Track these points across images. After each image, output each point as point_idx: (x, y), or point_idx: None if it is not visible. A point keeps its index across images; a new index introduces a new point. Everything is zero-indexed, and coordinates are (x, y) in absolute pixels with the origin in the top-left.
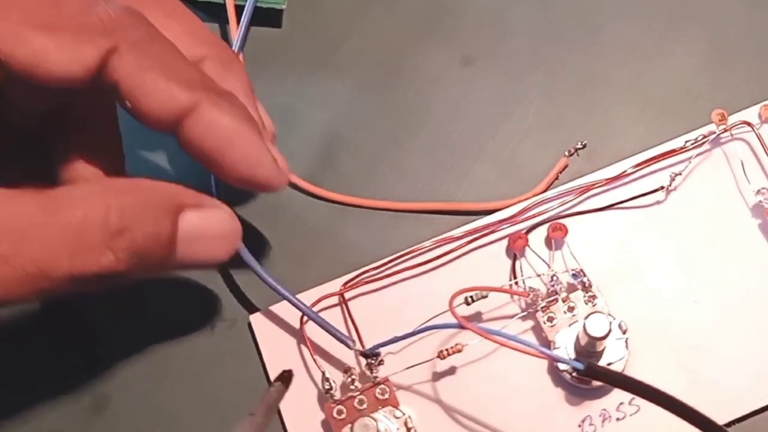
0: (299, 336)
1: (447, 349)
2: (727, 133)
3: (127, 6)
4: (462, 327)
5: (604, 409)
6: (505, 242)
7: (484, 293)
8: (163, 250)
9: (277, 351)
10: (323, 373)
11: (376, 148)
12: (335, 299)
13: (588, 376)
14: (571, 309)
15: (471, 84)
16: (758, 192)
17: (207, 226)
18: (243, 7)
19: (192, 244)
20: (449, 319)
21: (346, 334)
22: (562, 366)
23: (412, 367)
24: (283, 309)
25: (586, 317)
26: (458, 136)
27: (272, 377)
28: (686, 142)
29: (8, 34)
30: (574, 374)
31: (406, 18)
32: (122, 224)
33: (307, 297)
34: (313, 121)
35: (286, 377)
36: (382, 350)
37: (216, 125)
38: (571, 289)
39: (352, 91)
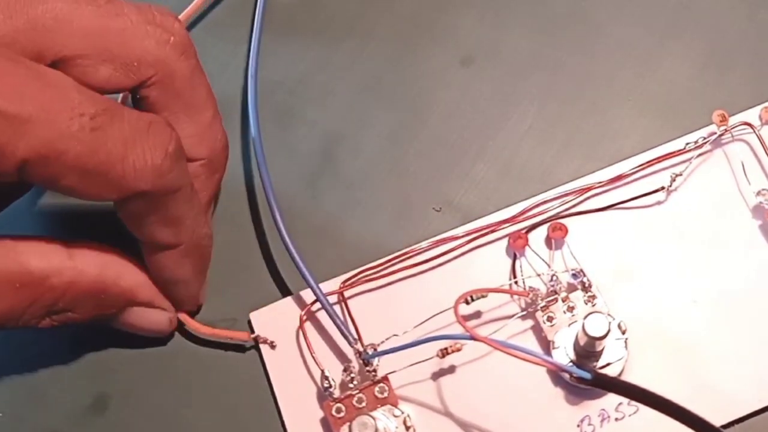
0: (299, 334)
1: (447, 348)
2: (728, 134)
3: (171, 132)
4: (473, 338)
5: (603, 409)
6: (505, 242)
7: (484, 293)
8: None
9: (277, 349)
10: (322, 371)
11: (376, 148)
12: (334, 297)
13: (596, 386)
14: (570, 309)
15: (471, 84)
16: (759, 193)
17: (141, 322)
18: None
19: (123, 327)
20: (451, 318)
21: (351, 331)
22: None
23: (411, 365)
24: (283, 307)
25: (586, 317)
26: (458, 136)
27: (272, 375)
28: (687, 143)
29: (46, 174)
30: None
31: (407, 17)
32: (65, 308)
33: (307, 295)
34: (313, 121)
35: None
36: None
37: (180, 270)
38: (571, 288)
39: (352, 90)
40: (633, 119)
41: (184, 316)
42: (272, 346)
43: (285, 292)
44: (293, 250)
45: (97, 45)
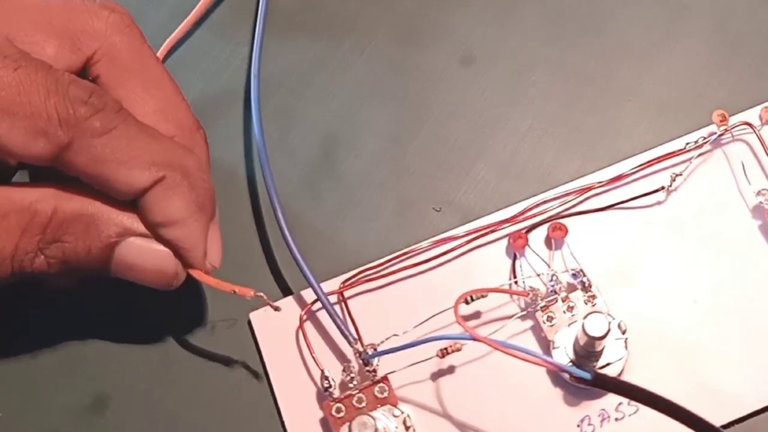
0: (299, 334)
1: (446, 348)
2: (728, 134)
3: (91, 89)
4: (473, 339)
5: (603, 409)
6: (505, 242)
7: (484, 293)
8: (94, 267)
9: (277, 349)
10: (322, 371)
11: (376, 148)
12: (334, 297)
13: (596, 386)
14: (570, 309)
15: (470, 84)
16: (759, 193)
17: (142, 260)
18: None
19: (124, 270)
20: (451, 318)
21: (351, 331)
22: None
23: (411, 365)
24: (283, 307)
25: (585, 317)
26: (458, 136)
27: (272, 375)
28: (687, 143)
29: None
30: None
31: (407, 17)
32: (55, 236)
33: (307, 295)
34: (313, 121)
35: None
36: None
37: (169, 207)
38: (571, 288)
39: (352, 90)
40: (633, 119)
41: (195, 271)
42: (276, 309)
43: (285, 292)
44: (295, 250)
45: (40, 20)
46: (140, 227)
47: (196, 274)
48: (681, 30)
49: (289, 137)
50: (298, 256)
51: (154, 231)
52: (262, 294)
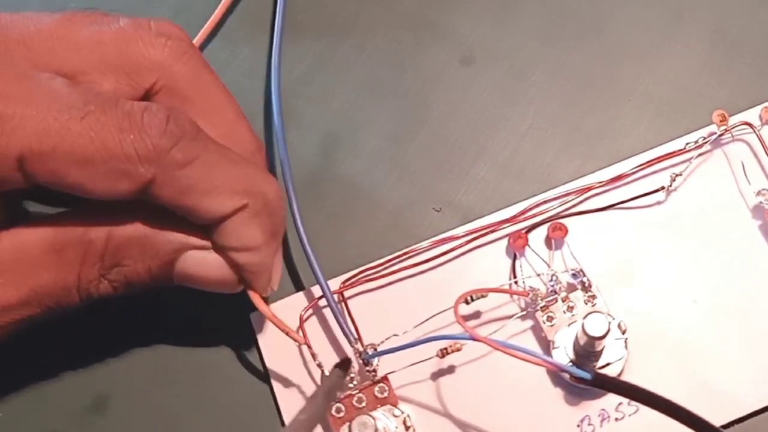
0: (298, 334)
1: (446, 348)
2: (728, 134)
3: (166, 113)
4: (473, 339)
5: (603, 409)
6: (505, 242)
7: (484, 293)
8: (157, 282)
9: (277, 348)
10: (322, 371)
11: (376, 148)
12: (334, 297)
13: (596, 386)
14: (570, 309)
15: (471, 84)
16: (759, 193)
17: (203, 270)
18: None
19: (187, 280)
20: (451, 318)
21: (352, 331)
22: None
23: (411, 365)
24: (283, 307)
25: (585, 317)
26: (458, 136)
27: (272, 375)
28: (687, 143)
29: (47, 170)
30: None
31: (407, 17)
32: (115, 261)
33: (307, 295)
34: (313, 121)
35: (344, 364)
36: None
37: (246, 235)
38: (571, 288)
39: (352, 91)
40: (633, 119)
41: (254, 294)
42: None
43: (284, 292)
44: (309, 250)
45: (94, 58)
46: (196, 241)
47: (254, 298)
48: (681, 30)
49: (289, 137)
50: (311, 255)
51: (224, 253)
52: (308, 343)
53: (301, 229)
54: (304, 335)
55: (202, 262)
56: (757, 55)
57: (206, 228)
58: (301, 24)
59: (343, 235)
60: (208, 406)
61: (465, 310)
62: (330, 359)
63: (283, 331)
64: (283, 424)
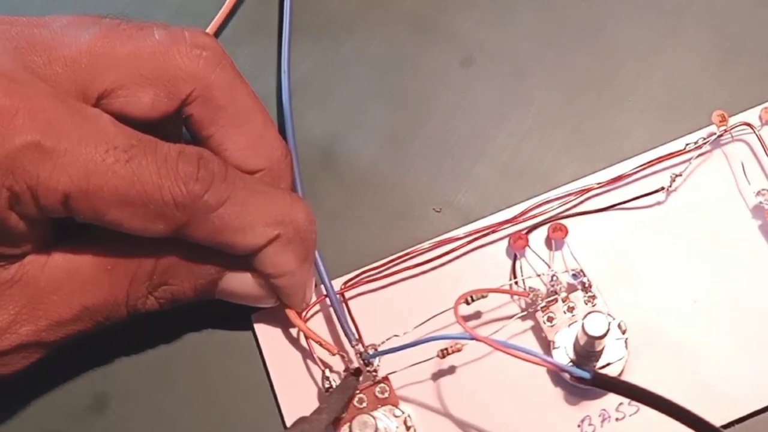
0: (300, 334)
1: (447, 348)
2: (728, 135)
3: (197, 159)
4: (473, 339)
5: (604, 409)
6: (505, 242)
7: (484, 293)
8: (201, 298)
9: (278, 349)
10: (323, 372)
11: (376, 148)
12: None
13: (596, 386)
14: (570, 309)
15: (471, 85)
16: (758, 193)
17: (245, 288)
18: None
19: (229, 297)
20: (451, 318)
21: (353, 331)
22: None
23: (412, 366)
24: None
25: (585, 317)
26: (458, 137)
27: (273, 375)
28: (686, 144)
29: (90, 208)
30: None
31: (407, 18)
32: (162, 281)
33: None
34: (313, 121)
35: (357, 373)
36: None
37: (281, 262)
38: (571, 289)
39: (352, 91)
40: (633, 120)
41: (290, 311)
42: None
43: None
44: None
45: (132, 72)
46: (238, 263)
47: (291, 316)
48: (681, 30)
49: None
50: (317, 256)
51: (262, 277)
52: (343, 354)
53: None
54: (306, 337)
55: (243, 281)
56: (757, 55)
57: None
58: (301, 25)
59: (343, 236)
60: (209, 406)
61: (465, 310)
62: (331, 360)
63: (317, 343)
64: (284, 423)
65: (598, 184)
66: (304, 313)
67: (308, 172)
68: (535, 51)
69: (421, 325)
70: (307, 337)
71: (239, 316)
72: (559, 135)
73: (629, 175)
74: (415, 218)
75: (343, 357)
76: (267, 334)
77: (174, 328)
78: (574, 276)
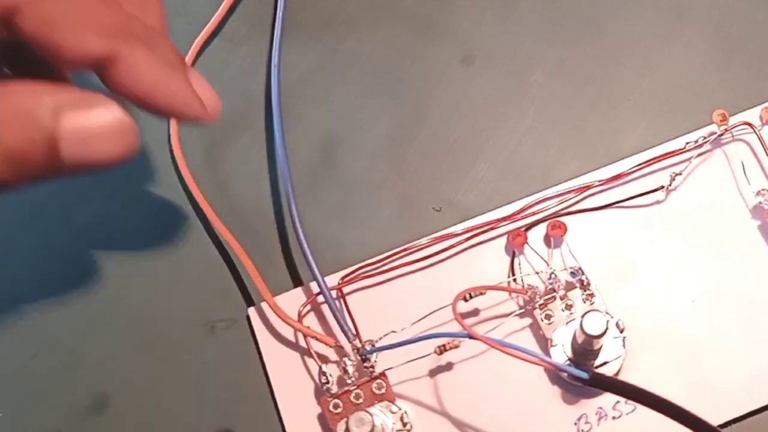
0: (297, 330)
1: (444, 345)
2: (728, 134)
3: None
4: (471, 337)
5: (601, 408)
6: (504, 239)
7: (482, 290)
8: (43, 154)
9: (275, 344)
10: (320, 367)
11: (376, 148)
12: (333, 293)
13: (594, 386)
14: (568, 307)
15: (471, 84)
16: (758, 193)
17: (94, 124)
18: None
19: (79, 145)
20: (449, 315)
21: (350, 327)
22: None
23: (409, 362)
24: (281, 302)
25: (583, 315)
26: (458, 135)
27: (270, 371)
28: (687, 143)
29: None
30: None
31: (407, 17)
32: None
33: (305, 291)
34: (313, 121)
35: None
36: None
37: (138, 74)
38: (569, 287)
39: (352, 91)
40: (633, 119)
41: (272, 303)
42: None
43: (283, 287)
44: (305, 245)
45: None
46: (72, 98)
47: (283, 316)
48: (681, 30)
49: (289, 137)
50: (308, 253)
51: (141, 102)
52: (342, 345)
53: (299, 227)
54: (303, 333)
55: (87, 116)
56: (757, 55)
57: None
58: (301, 24)
59: (343, 234)
60: (207, 406)
61: (464, 307)
62: (328, 354)
63: (313, 337)
64: (281, 420)
65: (599, 181)
66: (300, 309)
67: (308, 170)
68: (535, 50)
69: (418, 321)
70: (304, 335)
71: (237, 314)
72: (560, 133)
73: (629, 173)
74: (414, 217)
75: (340, 351)
76: (264, 330)
77: (173, 327)
78: (573, 274)
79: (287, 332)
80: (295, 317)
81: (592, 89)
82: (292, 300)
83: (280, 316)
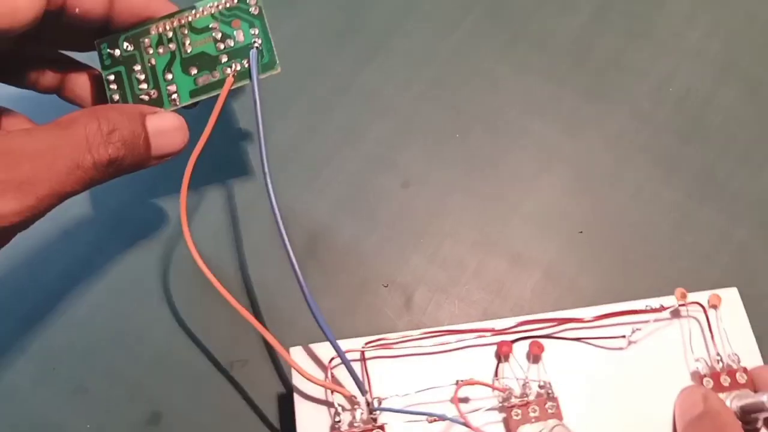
0: (325, 374)
1: (435, 418)
2: (684, 308)
3: None
4: (466, 425)
5: None
6: (496, 345)
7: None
8: (143, 144)
9: (306, 383)
10: (335, 409)
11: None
12: (357, 354)
13: None
14: (534, 410)
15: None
16: (697, 359)
17: (164, 123)
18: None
19: (158, 137)
20: (443, 392)
21: (364, 385)
22: None
23: (406, 422)
24: (318, 351)
25: (552, 428)
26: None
27: (296, 404)
28: (646, 305)
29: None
30: None
31: (366, 153)
32: (111, 127)
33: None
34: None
35: None
36: (384, 405)
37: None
38: (538, 395)
39: (329, 206)
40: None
41: (298, 367)
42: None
43: (316, 338)
44: (324, 327)
45: None
46: (149, 109)
47: (312, 379)
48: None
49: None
50: (326, 331)
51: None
52: (353, 395)
53: (315, 310)
54: (332, 382)
55: (159, 118)
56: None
57: None
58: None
59: (367, 308)
60: (235, 424)
61: (461, 392)
62: (342, 400)
63: (337, 392)
64: None
65: (573, 319)
66: (329, 363)
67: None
68: (455, 177)
69: (421, 391)
70: (331, 390)
71: (253, 355)
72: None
73: (600, 318)
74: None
75: (353, 401)
76: (300, 368)
77: (211, 358)
78: (542, 387)
79: (317, 375)
80: (326, 363)
81: (496, 206)
82: (322, 351)
83: (296, 370)
